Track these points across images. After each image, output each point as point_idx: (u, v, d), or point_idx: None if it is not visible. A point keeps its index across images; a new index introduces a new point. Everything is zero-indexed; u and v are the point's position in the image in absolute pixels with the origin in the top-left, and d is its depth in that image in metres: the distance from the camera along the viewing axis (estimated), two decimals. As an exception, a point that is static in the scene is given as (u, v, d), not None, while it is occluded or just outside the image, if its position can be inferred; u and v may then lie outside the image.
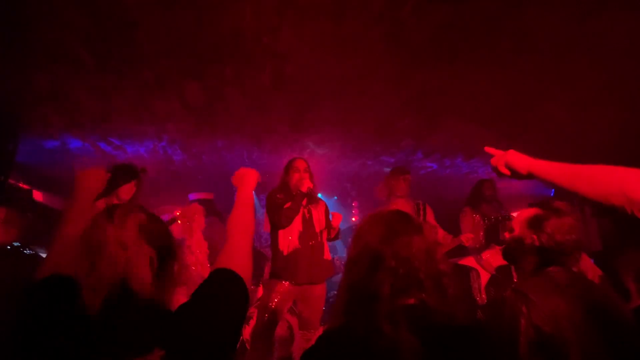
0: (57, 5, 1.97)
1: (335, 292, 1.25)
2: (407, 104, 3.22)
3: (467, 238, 3.08)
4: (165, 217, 2.69)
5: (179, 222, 2.88)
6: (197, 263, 2.97)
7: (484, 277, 3.22)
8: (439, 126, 3.66)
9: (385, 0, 2.05)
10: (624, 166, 0.83)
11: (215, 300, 0.93)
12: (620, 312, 1.21)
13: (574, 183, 0.91)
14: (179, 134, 3.83)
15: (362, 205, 6.45)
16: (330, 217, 2.73)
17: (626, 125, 3.23)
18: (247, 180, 1.31)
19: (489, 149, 1.15)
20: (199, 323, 0.87)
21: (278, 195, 2.60)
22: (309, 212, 2.65)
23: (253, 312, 3.56)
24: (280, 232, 2.55)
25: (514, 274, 2.49)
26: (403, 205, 3.12)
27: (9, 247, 3.30)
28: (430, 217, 3.31)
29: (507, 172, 1.05)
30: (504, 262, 3.02)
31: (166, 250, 0.96)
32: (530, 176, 1.00)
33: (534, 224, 1.34)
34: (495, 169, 1.08)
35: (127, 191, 2.26)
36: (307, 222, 2.61)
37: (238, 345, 3.42)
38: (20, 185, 3.78)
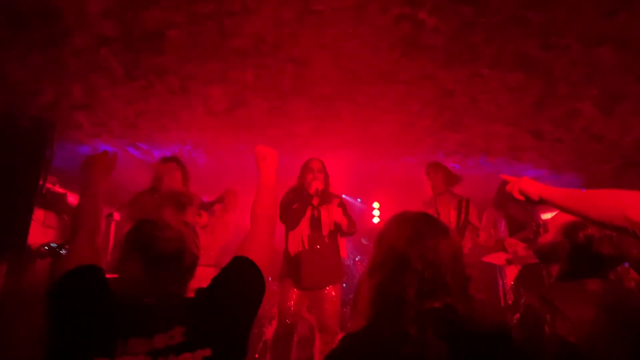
0: (91, 20, 2.09)
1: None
2: (427, 105, 3.19)
3: (510, 244, 2.95)
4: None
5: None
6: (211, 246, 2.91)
7: (511, 275, 3.13)
8: (461, 126, 3.60)
9: (404, 2, 2.05)
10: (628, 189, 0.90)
11: (231, 286, 1.00)
12: None
13: (580, 208, 1.00)
14: (202, 138, 3.94)
15: (384, 207, 6.41)
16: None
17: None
18: (269, 161, 1.29)
19: (504, 176, 1.25)
20: (215, 305, 0.95)
21: (289, 196, 2.61)
22: (318, 213, 2.61)
23: (275, 313, 3.62)
24: (290, 233, 2.56)
25: (544, 272, 2.42)
26: (444, 202, 3.03)
27: (47, 248, 3.50)
28: (474, 216, 3.11)
29: (521, 197, 1.15)
30: (533, 260, 2.95)
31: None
32: (542, 202, 1.10)
33: (570, 231, 1.28)
34: (510, 195, 1.16)
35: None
36: (315, 224, 2.58)
37: (260, 345, 3.48)
38: (57, 189, 3.98)
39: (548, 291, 1.27)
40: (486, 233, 3.13)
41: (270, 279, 4.70)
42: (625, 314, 1.13)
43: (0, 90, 2.74)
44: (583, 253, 1.24)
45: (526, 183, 1.14)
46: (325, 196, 2.64)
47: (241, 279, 1.03)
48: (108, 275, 0.99)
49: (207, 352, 0.86)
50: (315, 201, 2.60)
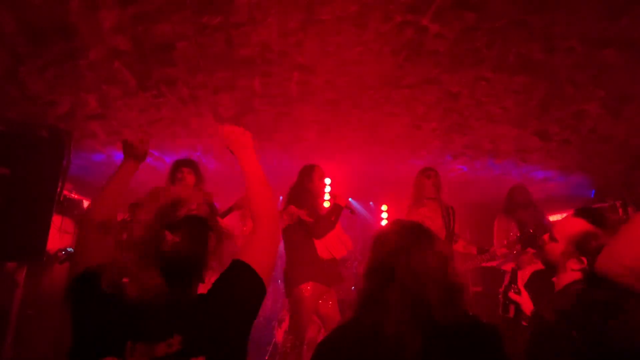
0: (105, 35, 2.18)
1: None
2: (433, 108, 3.21)
3: (498, 253, 2.93)
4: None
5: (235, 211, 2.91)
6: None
7: (520, 282, 3.12)
8: (468, 128, 3.61)
9: (407, 8, 2.09)
10: None
11: (228, 293, 0.97)
12: None
13: None
14: (212, 144, 4.03)
15: (392, 209, 6.43)
16: None
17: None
18: (245, 143, 1.12)
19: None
20: (211, 313, 0.93)
21: (318, 203, 2.80)
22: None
23: (285, 315, 3.66)
24: (317, 241, 2.69)
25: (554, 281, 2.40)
26: (433, 207, 3.05)
27: (64, 252, 3.61)
28: (456, 224, 3.17)
29: None
30: (542, 267, 2.93)
31: None
32: None
33: (581, 243, 1.22)
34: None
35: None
36: (335, 231, 2.77)
37: (270, 348, 3.53)
38: (73, 195, 4.12)
39: (561, 302, 1.21)
40: (498, 240, 3.12)
41: (279, 281, 4.76)
42: None
43: (20, 101, 2.86)
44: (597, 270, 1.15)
45: None
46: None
47: (238, 285, 0.98)
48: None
49: (202, 359, 0.86)
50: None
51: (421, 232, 1.04)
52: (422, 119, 3.45)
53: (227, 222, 2.58)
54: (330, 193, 2.80)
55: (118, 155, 4.16)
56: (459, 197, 3.74)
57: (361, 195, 6.34)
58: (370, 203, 6.67)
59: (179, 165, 2.73)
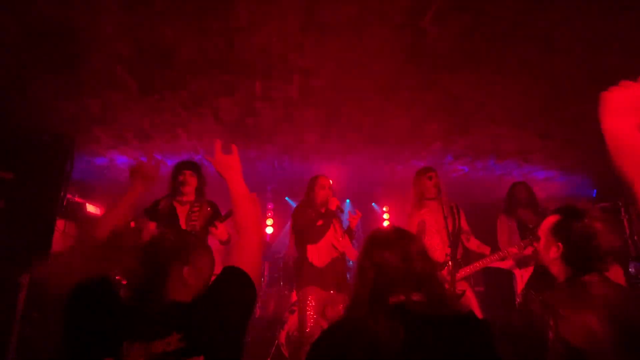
0: (106, 39, 2.21)
1: None
2: (433, 109, 3.22)
3: (509, 252, 2.90)
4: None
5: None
6: None
7: (521, 280, 3.12)
8: (469, 129, 3.62)
9: (406, 11, 2.10)
10: None
11: (224, 294, 1.04)
12: None
13: None
14: (214, 147, 4.04)
15: (393, 210, 6.43)
16: (346, 222, 2.87)
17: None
18: (235, 169, 1.29)
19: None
20: (209, 313, 0.99)
21: (309, 212, 2.78)
22: (334, 227, 2.82)
23: (287, 317, 3.68)
24: (310, 247, 2.72)
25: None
26: (435, 207, 3.05)
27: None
28: (464, 221, 3.14)
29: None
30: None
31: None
32: None
33: (558, 231, 1.30)
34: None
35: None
36: (331, 236, 2.79)
37: (273, 350, 3.54)
38: (76, 199, 4.15)
39: (550, 296, 1.29)
40: (501, 241, 3.11)
41: (281, 283, 4.77)
42: (627, 315, 1.13)
43: (24, 108, 2.89)
44: (574, 249, 1.26)
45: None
46: (337, 212, 2.85)
47: (233, 287, 1.06)
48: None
49: (201, 358, 0.90)
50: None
51: (398, 232, 1.15)
52: (423, 121, 3.46)
53: (222, 229, 2.56)
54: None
55: (120, 158, 4.18)
56: (460, 198, 3.73)
57: (363, 197, 6.35)
58: (373, 204, 6.68)
59: (181, 167, 2.72)
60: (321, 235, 2.72)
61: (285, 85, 2.84)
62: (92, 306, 0.97)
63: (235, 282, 1.07)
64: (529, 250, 2.98)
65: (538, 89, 2.84)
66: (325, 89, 2.89)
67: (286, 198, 6.38)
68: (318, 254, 2.71)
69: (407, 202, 3.39)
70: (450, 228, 2.88)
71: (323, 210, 2.80)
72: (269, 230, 6.32)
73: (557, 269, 1.32)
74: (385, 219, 6.39)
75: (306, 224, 2.74)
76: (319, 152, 4.30)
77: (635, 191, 0.87)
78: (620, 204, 3.80)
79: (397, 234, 1.15)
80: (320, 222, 2.74)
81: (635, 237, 3.85)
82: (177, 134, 3.65)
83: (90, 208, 4.83)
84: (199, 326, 0.95)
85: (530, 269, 3.04)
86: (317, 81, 2.79)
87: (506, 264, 3.11)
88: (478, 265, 2.89)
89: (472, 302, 2.75)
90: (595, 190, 4.48)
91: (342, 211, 2.85)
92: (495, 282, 3.54)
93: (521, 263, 3.06)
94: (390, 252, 1.08)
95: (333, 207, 2.75)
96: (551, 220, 1.35)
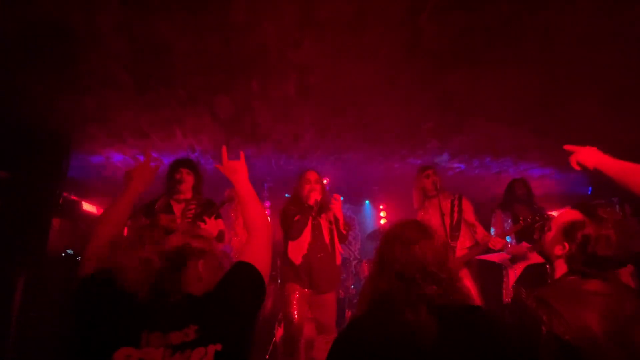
0: (102, 36, 2.19)
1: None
2: (430, 107, 3.23)
3: (494, 243, 2.94)
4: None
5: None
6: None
7: (513, 275, 3.14)
8: (465, 127, 3.63)
9: (403, 9, 2.10)
10: None
11: (237, 287, 1.10)
12: None
13: (629, 181, 1.12)
14: (210, 145, 4.04)
15: (390, 208, 6.45)
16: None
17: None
18: (241, 173, 1.40)
19: (567, 147, 1.41)
20: (223, 305, 1.04)
21: (290, 207, 2.72)
22: (319, 223, 2.73)
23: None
24: (290, 243, 2.66)
25: (547, 272, 2.41)
26: (434, 204, 3.08)
27: (63, 255, 3.62)
28: (469, 213, 3.08)
29: (577, 167, 1.31)
30: (536, 261, 2.95)
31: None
32: (596, 171, 1.22)
33: (570, 231, 1.28)
34: (569, 164, 1.33)
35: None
36: (316, 233, 2.70)
37: (270, 347, 3.55)
38: (72, 197, 4.12)
39: (545, 291, 1.28)
40: (499, 239, 3.13)
41: (279, 281, 4.78)
42: (622, 315, 1.13)
43: (19, 106, 2.86)
44: (579, 253, 1.25)
45: (586, 154, 1.29)
46: (324, 204, 2.74)
47: (245, 280, 1.13)
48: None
49: (219, 346, 0.95)
50: (314, 212, 2.69)
51: (419, 228, 1.16)
52: (421, 118, 3.47)
53: (211, 225, 2.56)
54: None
55: (116, 156, 4.16)
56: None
57: (359, 195, 6.36)
58: (366, 202, 6.69)
59: (177, 165, 2.71)
60: (299, 231, 2.62)
61: (282, 82, 2.83)
62: (105, 298, 0.99)
63: (247, 277, 1.14)
64: (523, 247, 3.01)
65: (534, 86, 2.85)
66: (322, 86, 2.89)
67: (286, 195, 6.39)
68: (296, 251, 2.63)
69: (404, 200, 3.42)
70: (447, 224, 2.91)
71: (306, 206, 2.70)
72: (266, 228, 6.30)
73: (557, 265, 1.32)
74: (382, 217, 6.40)
75: (285, 220, 2.69)
76: (315, 150, 4.30)
77: None
78: (614, 201, 3.84)
79: (419, 229, 1.16)
80: (297, 218, 2.64)
81: (630, 234, 3.88)
82: (173, 131, 3.63)
83: (87, 206, 4.81)
84: (214, 318, 1.00)
85: (524, 265, 3.07)
86: (314, 79, 2.79)
87: (499, 257, 3.15)
88: (465, 256, 2.92)
89: (473, 294, 2.79)
90: (590, 188, 4.51)
91: (318, 206, 2.68)
92: (489, 276, 3.56)
93: (516, 258, 3.09)
94: (415, 247, 1.09)
95: (311, 202, 2.65)
96: (568, 217, 1.31)
